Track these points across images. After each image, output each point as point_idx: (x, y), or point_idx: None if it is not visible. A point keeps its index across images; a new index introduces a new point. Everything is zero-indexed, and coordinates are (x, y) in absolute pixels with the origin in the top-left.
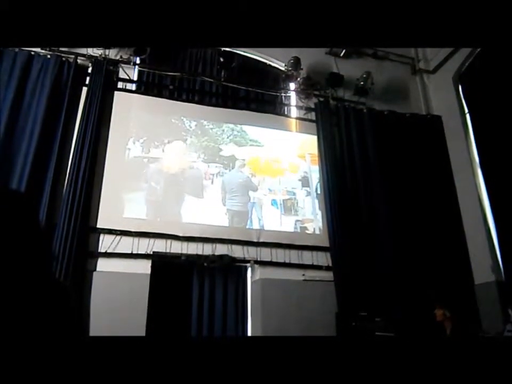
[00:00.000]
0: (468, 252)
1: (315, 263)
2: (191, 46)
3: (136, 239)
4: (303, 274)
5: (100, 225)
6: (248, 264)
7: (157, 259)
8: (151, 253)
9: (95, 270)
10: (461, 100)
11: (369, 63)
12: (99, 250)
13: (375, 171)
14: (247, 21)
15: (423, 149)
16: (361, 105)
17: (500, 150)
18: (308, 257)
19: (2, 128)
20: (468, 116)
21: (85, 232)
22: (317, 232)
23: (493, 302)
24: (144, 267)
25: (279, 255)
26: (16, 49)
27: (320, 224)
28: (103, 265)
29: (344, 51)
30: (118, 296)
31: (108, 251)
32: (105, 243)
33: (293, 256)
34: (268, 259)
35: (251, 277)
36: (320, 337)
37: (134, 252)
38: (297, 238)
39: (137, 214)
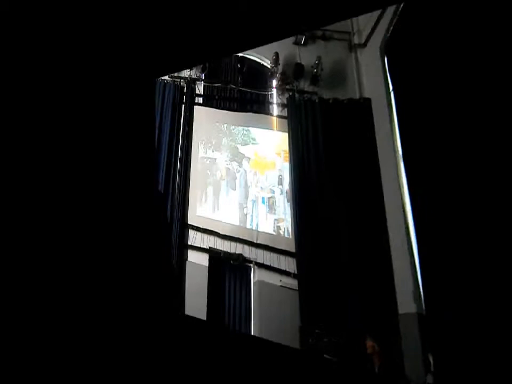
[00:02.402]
0: (393, 278)
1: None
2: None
3: (199, 235)
4: (280, 280)
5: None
6: (251, 265)
7: (212, 254)
8: (208, 248)
9: (187, 259)
10: (386, 76)
11: (319, 47)
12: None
13: (325, 167)
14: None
15: (357, 138)
16: (315, 95)
17: (424, 137)
18: (283, 263)
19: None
20: (392, 96)
21: (183, 227)
22: (286, 235)
23: (414, 336)
24: (204, 260)
25: (274, 259)
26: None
27: (289, 224)
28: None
29: (304, 38)
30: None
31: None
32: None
33: (281, 261)
34: (261, 261)
35: (253, 278)
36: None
37: (202, 246)
38: (289, 242)
39: (202, 212)
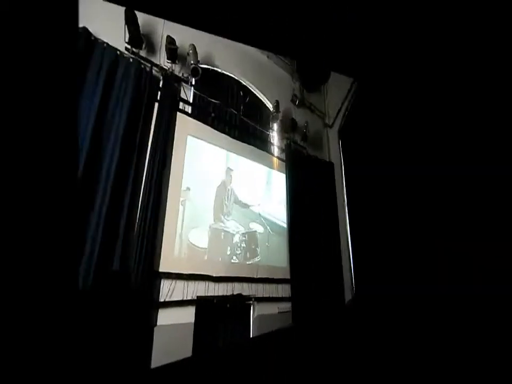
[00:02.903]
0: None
1: (284, 295)
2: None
3: (186, 283)
4: (278, 307)
5: (161, 268)
6: (251, 302)
7: (200, 305)
8: (195, 298)
9: (156, 324)
10: (340, 151)
11: (308, 114)
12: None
13: (309, 210)
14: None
15: (327, 190)
16: (304, 150)
17: (358, 193)
18: (280, 290)
19: (87, 146)
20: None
21: (150, 278)
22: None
23: None
24: (190, 315)
25: (266, 290)
26: (105, 44)
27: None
28: (161, 317)
29: (298, 101)
30: (169, 352)
31: (167, 300)
32: (163, 290)
33: (273, 290)
34: (261, 294)
35: (252, 315)
36: None
37: (184, 298)
38: (277, 272)
39: (187, 254)
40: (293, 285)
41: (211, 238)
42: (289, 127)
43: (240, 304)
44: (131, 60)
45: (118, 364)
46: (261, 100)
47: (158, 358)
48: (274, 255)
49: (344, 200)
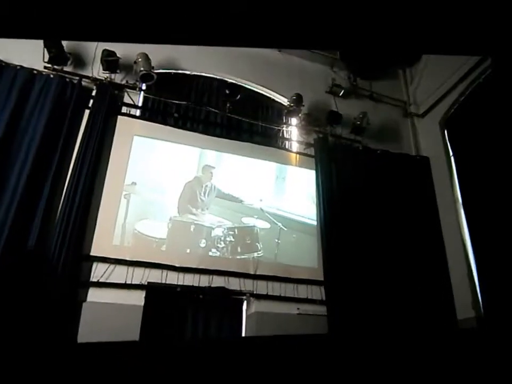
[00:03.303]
0: (451, 288)
1: (309, 297)
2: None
3: (131, 269)
4: (298, 308)
5: (93, 253)
6: (244, 297)
7: (152, 290)
8: (146, 283)
9: (85, 300)
10: (446, 143)
11: (365, 104)
12: (91, 280)
13: (367, 208)
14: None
15: (412, 188)
16: (357, 143)
17: (482, 191)
18: (303, 291)
19: None
20: (452, 159)
21: (77, 260)
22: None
23: None
24: (138, 298)
25: (275, 288)
26: (18, 67)
27: None
28: (94, 295)
29: (342, 91)
30: (108, 328)
31: (101, 280)
32: (98, 272)
33: (288, 290)
34: (264, 292)
35: (246, 310)
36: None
37: (127, 282)
38: (294, 271)
39: (133, 243)
40: (327, 288)
41: (172, 229)
42: (322, 120)
43: (224, 297)
44: (51, 76)
45: (36, 337)
46: (266, 96)
47: (94, 332)
48: (292, 253)
49: (454, 200)
